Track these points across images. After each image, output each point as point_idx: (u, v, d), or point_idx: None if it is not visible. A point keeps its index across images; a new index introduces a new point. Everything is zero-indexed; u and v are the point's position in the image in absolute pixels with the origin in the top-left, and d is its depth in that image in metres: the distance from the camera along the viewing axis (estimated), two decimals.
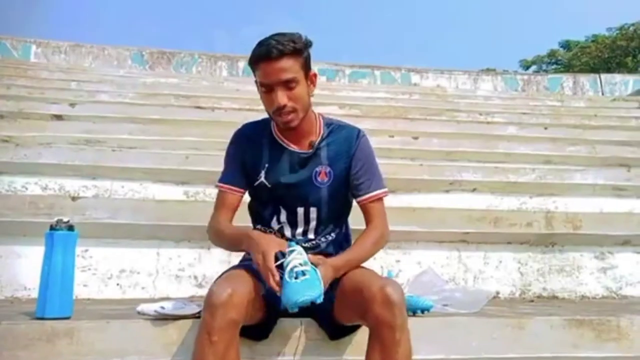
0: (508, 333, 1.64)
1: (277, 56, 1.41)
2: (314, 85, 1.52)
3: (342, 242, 1.62)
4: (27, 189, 2.96)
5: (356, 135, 1.57)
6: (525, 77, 10.50)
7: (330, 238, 1.58)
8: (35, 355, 1.37)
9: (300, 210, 1.54)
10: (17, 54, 8.45)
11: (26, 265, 2.15)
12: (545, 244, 2.67)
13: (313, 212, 1.54)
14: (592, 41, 22.37)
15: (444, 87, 9.17)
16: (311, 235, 1.57)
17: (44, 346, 1.37)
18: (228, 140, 1.62)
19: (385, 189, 1.58)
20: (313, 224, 1.56)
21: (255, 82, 1.50)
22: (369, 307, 1.27)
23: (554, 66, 23.71)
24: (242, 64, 9.21)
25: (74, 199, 2.32)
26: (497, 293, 2.56)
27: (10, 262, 2.19)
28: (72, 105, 4.58)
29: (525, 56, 25.64)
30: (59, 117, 4.31)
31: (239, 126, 1.64)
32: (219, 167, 1.63)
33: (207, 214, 2.28)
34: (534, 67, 23.99)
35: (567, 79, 10.09)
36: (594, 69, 16.41)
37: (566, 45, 24.34)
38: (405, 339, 1.27)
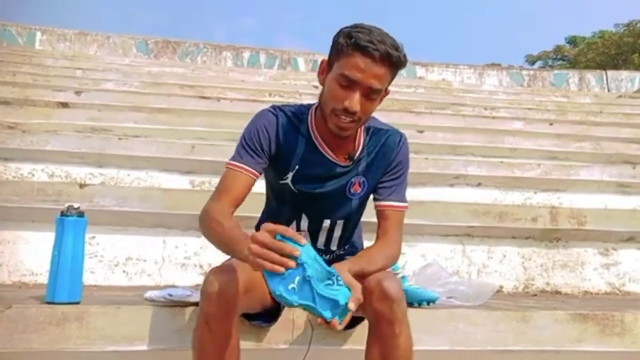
0: (513, 326, 1.66)
1: (381, 60, 1.24)
2: (380, 102, 1.36)
3: (355, 240, 1.57)
4: (33, 175, 2.96)
5: (398, 142, 1.45)
6: (531, 72, 10.46)
7: (349, 244, 1.54)
8: (45, 338, 1.38)
9: (326, 222, 1.45)
10: (22, 41, 8.44)
11: (34, 251, 2.17)
12: (550, 239, 2.68)
13: (340, 224, 1.45)
14: (599, 37, 22.24)
15: (449, 81, 9.14)
16: (334, 247, 1.49)
17: (54, 330, 1.39)
18: (234, 131, 1.53)
19: (407, 203, 1.47)
20: (337, 234, 1.48)
21: (328, 62, 1.31)
22: (367, 301, 1.21)
23: (560, 62, 23.60)
24: (247, 55, 9.18)
25: (81, 186, 2.33)
26: (501, 287, 2.56)
27: (18, 247, 2.20)
28: (78, 93, 4.58)
29: (531, 52, 25.54)
30: (64, 105, 4.31)
31: (265, 108, 1.44)
32: (225, 157, 1.48)
33: None
34: (539, 63, 23.92)
35: (572, 75, 10.03)
36: (601, 65, 16.34)
37: (572, 41, 24.23)
38: (405, 333, 1.23)
